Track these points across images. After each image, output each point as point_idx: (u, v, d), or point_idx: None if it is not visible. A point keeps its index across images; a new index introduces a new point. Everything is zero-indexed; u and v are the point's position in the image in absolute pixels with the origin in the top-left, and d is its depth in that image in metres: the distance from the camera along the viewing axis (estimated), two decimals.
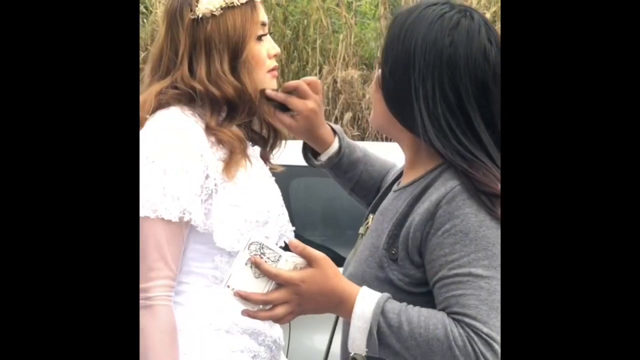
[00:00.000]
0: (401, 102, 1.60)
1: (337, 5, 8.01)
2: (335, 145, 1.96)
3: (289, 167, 3.71)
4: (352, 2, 8.13)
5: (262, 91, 1.90)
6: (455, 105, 1.56)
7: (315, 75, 7.67)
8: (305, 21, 8.04)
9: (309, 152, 2.02)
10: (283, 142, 2.02)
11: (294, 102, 1.92)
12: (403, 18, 1.62)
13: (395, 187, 1.72)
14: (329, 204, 3.95)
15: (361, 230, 1.76)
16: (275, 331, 1.91)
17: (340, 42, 7.75)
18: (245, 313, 1.51)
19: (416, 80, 1.57)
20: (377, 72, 1.69)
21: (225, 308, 1.79)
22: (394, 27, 1.63)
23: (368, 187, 1.99)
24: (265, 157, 2.00)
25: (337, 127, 2.00)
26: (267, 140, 1.99)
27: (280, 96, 1.92)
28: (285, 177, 3.71)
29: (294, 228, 1.95)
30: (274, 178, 1.98)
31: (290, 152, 3.90)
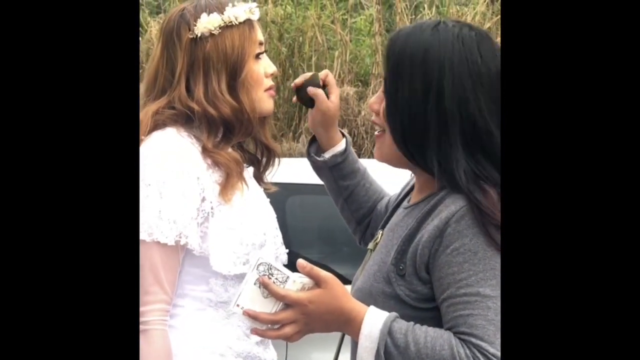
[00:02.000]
0: (415, 131, 1.58)
1: (332, 22, 8.03)
2: (342, 145, 1.98)
3: (286, 185, 3.71)
4: (347, 19, 8.16)
5: (306, 84, 1.90)
6: (484, 123, 1.55)
7: None
8: (301, 38, 8.06)
9: (313, 151, 2.01)
10: (276, 161, 2.00)
11: (326, 101, 1.93)
12: (413, 40, 1.59)
13: (405, 204, 1.73)
14: (325, 222, 3.95)
15: (370, 245, 1.77)
16: (270, 354, 1.89)
17: (335, 58, 7.77)
18: (254, 331, 1.54)
19: (446, 103, 1.54)
20: (372, 99, 1.68)
21: (220, 331, 1.78)
22: (404, 50, 1.59)
23: (362, 201, 1.99)
24: (258, 177, 1.98)
25: (346, 134, 2.02)
26: (261, 161, 1.98)
27: (318, 91, 1.92)
28: (281, 195, 3.71)
29: (287, 250, 1.94)
30: (268, 199, 1.96)
31: (286, 170, 3.90)
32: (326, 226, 3.94)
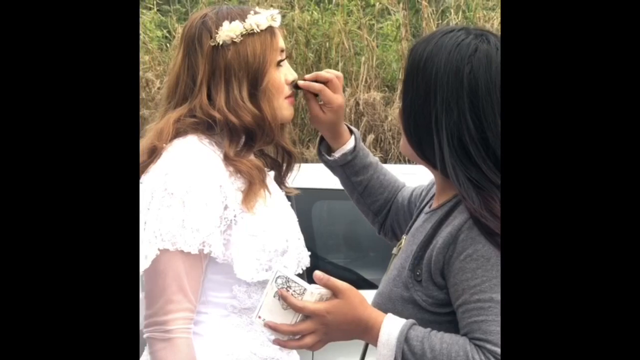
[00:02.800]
0: (421, 135, 1.61)
1: (359, 28, 8.03)
2: (351, 143, 1.99)
3: (312, 190, 3.74)
4: (373, 25, 8.15)
5: (295, 81, 1.90)
6: (476, 132, 1.57)
7: None
8: (327, 44, 8.06)
9: (323, 149, 2.02)
10: (297, 165, 2.01)
11: (328, 95, 1.94)
12: (421, 48, 1.63)
13: (426, 209, 1.75)
14: (351, 227, 3.95)
15: (394, 250, 1.79)
16: (293, 359, 1.90)
17: (362, 64, 7.76)
18: (276, 342, 1.58)
19: (438, 111, 1.58)
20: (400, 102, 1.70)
21: (244, 337, 1.80)
22: (412, 58, 1.64)
23: (377, 193, 2.01)
24: (280, 182, 1.99)
25: (354, 128, 2.02)
26: (282, 165, 1.98)
27: (315, 87, 1.93)
28: (307, 200, 3.74)
29: (309, 253, 1.95)
30: (289, 202, 1.97)
31: (312, 176, 3.92)
32: (352, 231, 3.95)
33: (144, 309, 1.76)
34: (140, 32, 8.57)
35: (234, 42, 1.82)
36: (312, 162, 6.86)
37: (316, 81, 1.94)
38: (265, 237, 1.80)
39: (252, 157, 1.87)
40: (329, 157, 2.01)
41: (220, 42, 1.82)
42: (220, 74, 1.81)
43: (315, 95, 1.95)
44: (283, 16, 7.25)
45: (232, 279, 1.78)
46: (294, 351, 1.89)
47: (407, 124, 1.64)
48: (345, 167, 1.99)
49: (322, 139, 2.03)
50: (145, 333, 1.75)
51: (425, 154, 1.63)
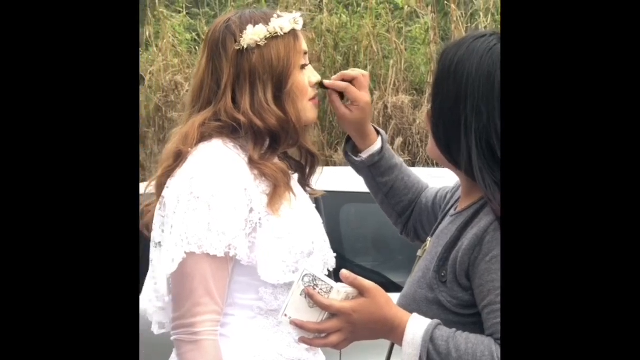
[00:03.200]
0: (449, 137, 1.62)
1: (388, 31, 8.04)
2: (378, 144, 1.99)
3: (340, 193, 3.75)
4: (402, 28, 8.15)
5: (320, 81, 1.91)
6: (495, 140, 1.58)
7: None
8: (356, 47, 8.07)
9: (350, 149, 2.03)
10: (320, 166, 2.01)
11: (354, 92, 1.94)
12: (452, 52, 1.64)
13: (452, 211, 1.75)
14: (379, 230, 3.95)
15: (419, 252, 1.80)
16: (320, 359, 1.90)
17: (390, 67, 7.77)
18: (302, 340, 1.60)
19: (468, 115, 1.59)
20: (429, 105, 1.71)
21: (270, 339, 1.80)
22: (443, 62, 1.65)
23: (402, 194, 2.02)
24: (304, 183, 1.99)
25: (381, 130, 2.03)
26: (305, 167, 1.98)
27: (340, 85, 1.94)
28: (336, 203, 3.75)
29: (335, 254, 1.95)
30: (315, 205, 1.97)
31: (340, 179, 3.91)
32: (380, 234, 3.95)
33: (171, 312, 1.77)
34: (170, 35, 8.62)
35: (258, 46, 1.83)
36: (340, 165, 6.87)
37: (342, 80, 1.94)
38: (291, 239, 1.81)
39: (276, 160, 1.88)
40: (355, 158, 2.02)
41: (245, 46, 1.83)
42: (245, 77, 1.82)
43: (342, 95, 1.95)
44: (312, 19, 7.32)
45: (258, 281, 1.79)
46: (320, 352, 1.90)
47: (436, 126, 1.65)
48: (372, 168, 2.00)
49: (348, 139, 2.04)
50: (172, 335, 1.76)
51: (453, 157, 1.63)
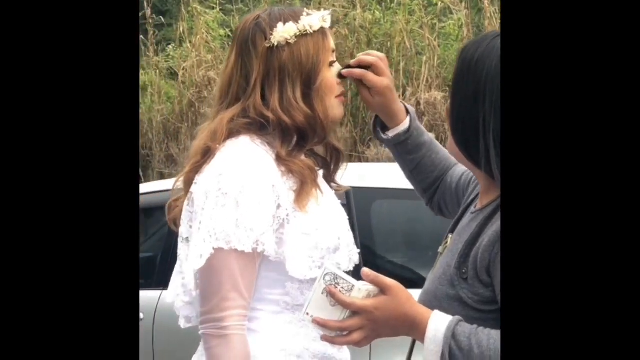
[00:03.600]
0: (467, 135, 1.62)
1: (421, 27, 8.02)
2: (405, 124, 2.00)
3: (372, 189, 3.76)
4: (435, 24, 8.14)
5: (339, 72, 1.92)
6: None
7: (399, 97, 7.68)
8: (389, 43, 8.07)
9: (379, 126, 2.05)
10: (345, 162, 2.01)
11: (371, 78, 1.94)
12: (472, 49, 1.64)
13: (472, 208, 1.76)
14: (410, 226, 3.95)
15: (440, 249, 1.79)
16: (344, 355, 1.91)
17: (423, 63, 7.76)
18: (324, 338, 1.60)
19: (486, 113, 1.58)
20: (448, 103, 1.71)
21: (297, 333, 1.82)
22: (463, 59, 1.65)
23: (428, 172, 2.03)
24: (330, 179, 1.99)
25: (410, 107, 2.03)
26: (330, 163, 1.99)
27: (357, 72, 1.94)
28: (367, 199, 3.76)
29: (365, 250, 1.95)
30: (345, 201, 1.98)
31: (373, 175, 3.92)
32: (411, 230, 3.95)
33: (198, 306, 1.79)
34: (203, 31, 8.67)
35: (288, 43, 1.84)
36: (372, 161, 6.87)
37: (359, 66, 1.95)
38: (318, 235, 1.82)
39: (303, 156, 1.89)
40: (382, 136, 2.03)
41: (275, 43, 1.84)
42: (275, 74, 1.83)
43: (362, 82, 1.96)
44: (345, 15, 7.31)
45: (285, 276, 1.80)
46: (345, 347, 1.91)
47: (455, 124, 1.65)
48: (399, 146, 2.02)
49: (377, 115, 2.05)
50: (200, 329, 1.77)
51: (472, 155, 1.63)
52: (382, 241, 3.84)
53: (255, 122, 1.83)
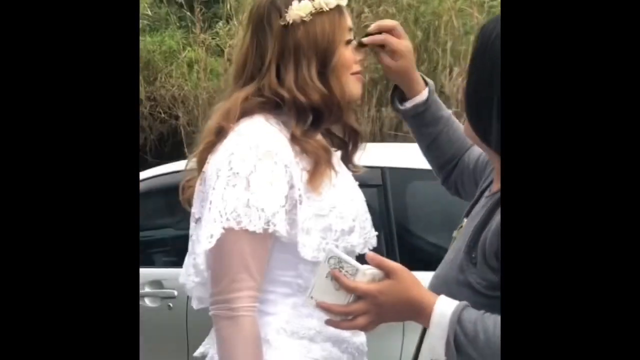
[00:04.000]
0: (482, 115, 1.59)
1: (469, 5, 7.92)
2: (424, 95, 1.98)
3: (407, 170, 3.72)
4: (484, 2, 8.03)
5: (360, 40, 1.90)
6: None
7: (446, 77, 7.61)
8: (436, 22, 7.99)
9: (397, 97, 2.02)
10: (363, 143, 1.99)
11: (394, 41, 1.93)
12: (491, 27, 1.60)
13: (487, 193, 1.73)
14: (446, 207, 3.90)
15: (454, 233, 1.76)
16: (359, 338, 1.90)
17: (471, 43, 7.65)
18: (329, 323, 1.59)
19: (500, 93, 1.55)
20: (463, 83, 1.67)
21: (309, 315, 1.80)
22: (481, 38, 1.62)
23: (445, 148, 2.00)
24: (347, 161, 1.97)
25: (429, 80, 2.01)
26: (348, 144, 1.97)
27: (379, 38, 1.93)
28: (403, 180, 3.72)
29: (376, 233, 1.92)
30: (357, 182, 1.95)
31: (407, 155, 3.87)
32: (447, 212, 3.90)
33: (209, 287, 1.78)
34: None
35: (303, 22, 1.82)
36: (407, 141, 6.82)
37: (379, 32, 1.94)
38: (332, 216, 1.80)
39: (319, 136, 1.87)
40: (400, 107, 2.00)
41: (290, 21, 1.82)
42: (290, 53, 1.81)
43: (382, 47, 1.94)
44: None
45: (298, 257, 1.78)
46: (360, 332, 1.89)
47: (470, 104, 1.62)
48: (416, 118, 1.99)
49: (395, 87, 2.02)
50: (211, 310, 1.76)
51: (485, 136, 1.60)
52: (418, 222, 3.80)
53: (270, 102, 1.82)
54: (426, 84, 2.00)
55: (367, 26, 8.03)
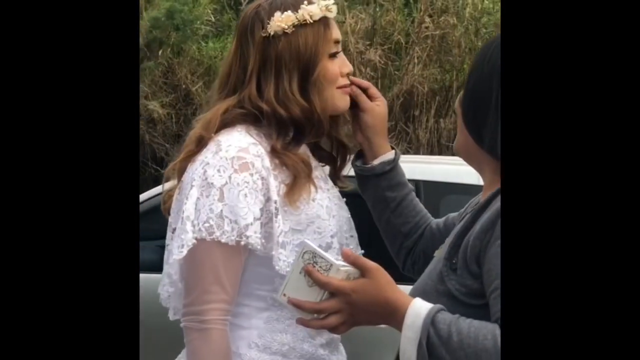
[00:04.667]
0: (478, 116, 1.58)
1: None
2: (391, 154, 1.93)
3: (441, 184, 3.69)
4: None
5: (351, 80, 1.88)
6: None
7: None
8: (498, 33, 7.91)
9: (359, 162, 1.98)
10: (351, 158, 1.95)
11: (376, 90, 1.93)
12: (491, 41, 1.60)
13: (469, 209, 1.71)
14: None
15: (435, 253, 1.73)
16: (336, 356, 1.84)
17: None
18: (299, 321, 1.56)
19: (499, 101, 1.53)
20: (460, 95, 1.66)
21: (284, 331, 1.77)
22: (483, 49, 1.62)
23: (410, 215, 1.94)
24: (335, 176, 1.93)
25: (395, 148, 1.97)
26: (336, 158, 1.93)
27: (365, 82, 1.92)
28: (437, 194, 3.69)
29: (362, 251, 1.87)
30: (344, 200, 1.91)
31: (442, 169, 3.85)
32: None
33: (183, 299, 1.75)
34: None
35: (285, 33, 1.78)
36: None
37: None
38: (309, 231, 1.76)
39: (302, 149, 1.83)
40: (366, 165, 1.95)
41: (272, 33, 1.79)
42: (271, 65, 1.78)
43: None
44: (454, 3, 7.17)
45: (273, 271, 1.74)
46: (340, 349, 1.85)
47: (468, 105, 1.61)
48: (382, 179, 1.93)
49: (359, 153, 1.98)
50: (182, 322, 1.74)
51: (481, 137, 1.58)
52: None
53: (250, 114, 1.79)
54: (392, 148, 1.95)
55: (427, 37, 7.99)
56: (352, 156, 1.99)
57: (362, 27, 8.39)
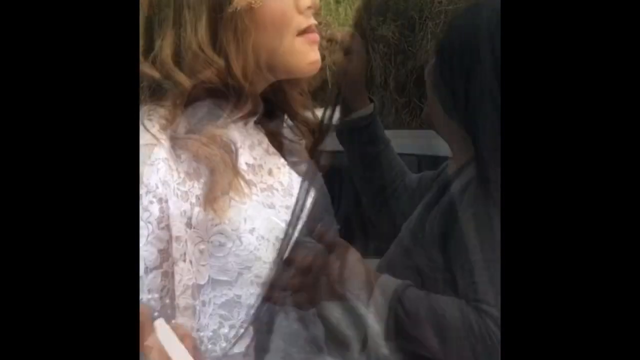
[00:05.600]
0: (451, 94, 1.57)
1: None
2: (369, 108, 1.85)
3: (443, 159, 3.67)
4: None
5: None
6: None
7: None
8: None
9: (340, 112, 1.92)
10: (311, 134, 1.63)
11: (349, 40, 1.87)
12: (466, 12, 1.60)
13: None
14: None
15: (404, 225, 1.72)
16: None
17: None
18: None
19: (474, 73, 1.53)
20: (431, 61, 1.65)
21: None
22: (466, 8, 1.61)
23: (386, 169, 1.89)
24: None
25: (373, 99, 1.94)
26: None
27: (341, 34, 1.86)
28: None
29: (338, 226, 1.68)
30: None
31: (444, 144, 3.82)
32: None
33: None
34: None
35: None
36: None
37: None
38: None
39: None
40: (344, 119, 1.88)
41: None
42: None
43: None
44: None
45: None
46: None
47: (441, 77, 1.59)
48: (357, 133, 1.85)
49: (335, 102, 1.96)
50: None
51: (452, 109, 1.56)
52: None
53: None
54: (371, 100, 1.89)
55: (440, 12, 7.94)
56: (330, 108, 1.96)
57: (375, 3, 8.36)
